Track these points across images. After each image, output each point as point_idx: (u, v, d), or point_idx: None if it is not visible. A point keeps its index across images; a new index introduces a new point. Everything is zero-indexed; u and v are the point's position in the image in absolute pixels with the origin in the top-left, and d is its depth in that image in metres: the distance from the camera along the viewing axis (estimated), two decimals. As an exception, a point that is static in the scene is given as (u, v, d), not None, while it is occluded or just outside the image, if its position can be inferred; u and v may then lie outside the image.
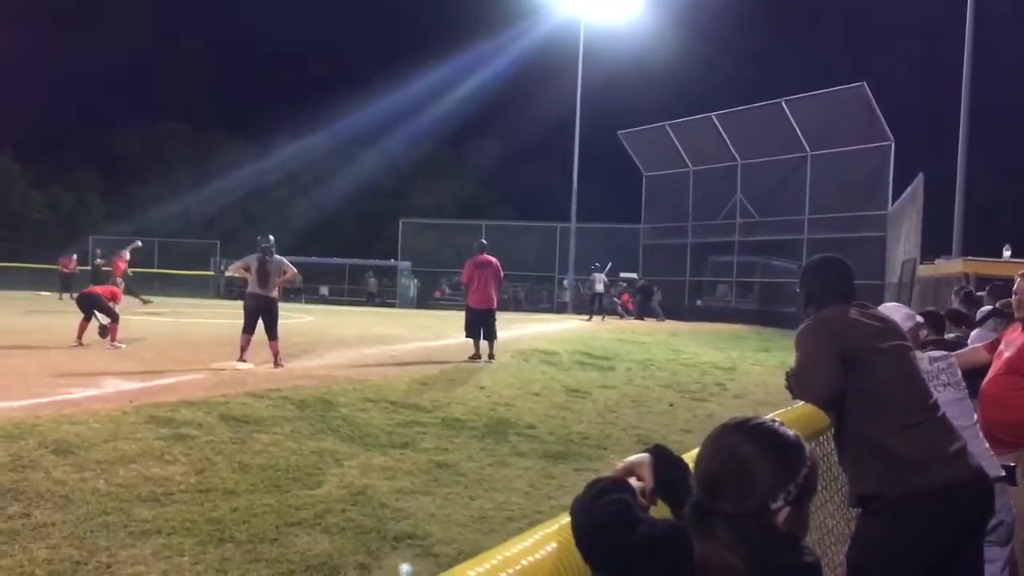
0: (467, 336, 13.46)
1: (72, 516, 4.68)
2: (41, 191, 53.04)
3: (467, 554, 4.35)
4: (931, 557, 2.60)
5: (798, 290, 3.20)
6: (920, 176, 23.57)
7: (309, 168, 55.69)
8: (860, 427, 2.76)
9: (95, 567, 4.02)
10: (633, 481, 1.58)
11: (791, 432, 1.56)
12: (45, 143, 53.75)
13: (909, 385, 2.85)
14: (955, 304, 7.43)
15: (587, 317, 27.19)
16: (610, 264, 31.28)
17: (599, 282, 28.37)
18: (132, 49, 62.07)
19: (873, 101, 27.67)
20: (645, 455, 1.68)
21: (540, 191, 50.97)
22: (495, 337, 13.37)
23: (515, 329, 19.19)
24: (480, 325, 13.33)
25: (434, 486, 5.87)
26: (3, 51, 50.08)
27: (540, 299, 38.53)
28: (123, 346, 12.92)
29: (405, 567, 4.20)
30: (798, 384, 2.94)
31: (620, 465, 1.67)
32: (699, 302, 34.26)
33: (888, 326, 3.00)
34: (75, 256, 30.92)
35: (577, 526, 1.38)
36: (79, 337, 13.04)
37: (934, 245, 23.35)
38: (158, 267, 38.97)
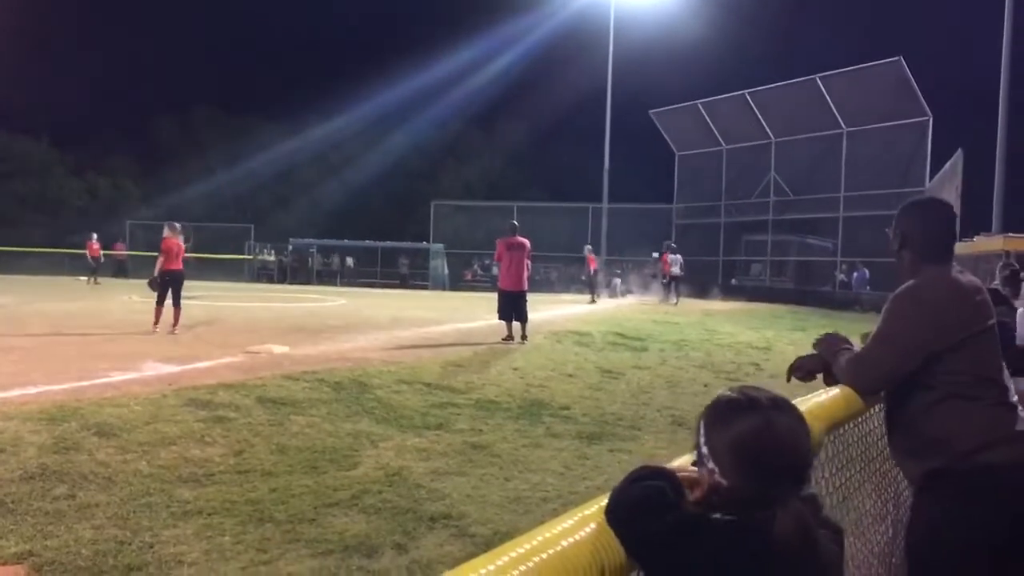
0: (500, 318, 13.51)
1: (115, 497, 4.77)
2: (79, 177, 53.71)
3: (503, 534, 4.39)
4: (1000, 534, 2.49)
5: (888, 231, 2.83)
6: (959, 152, 23.19)
7: (339, 149, 55.73)
8: (934, 402, 2.58)
9: (138, 546, 4.10)
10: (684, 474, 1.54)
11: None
12: (80, 129, 54.36)
13: (994, 363, 2.66)
14: (998, 282, 7.28)
15: (674, 302, 25.48)
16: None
17: (677, 264, 26.51)
18: (162, 34, 62.42)
19: (910, 76, 27.19)
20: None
21: (571, 171, 50.57)
22: (527, 319, 13.40)
23: (548, 310, 19.20)
24: (512, 307, 13.37)
25: (469, 467, 5.91)
26: (37, 39, 50.80)
27: (573, 280, 38.49)
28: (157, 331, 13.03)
29: None
30: (858, 367, 2.65)
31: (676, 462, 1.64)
32: (733, 281, 34.01)
33: (986, 297, 2.71)
34: (95, 237, 31.36)
35: (608, 507, 1.38)
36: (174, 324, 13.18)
37: (974, 222, 22.98)
38: (193, 251, 39.37)
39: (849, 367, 2.67)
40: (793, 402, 1.55)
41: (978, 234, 21.32)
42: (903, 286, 2.68)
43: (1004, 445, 2.52)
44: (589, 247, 28.44)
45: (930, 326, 2.58)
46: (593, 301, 25.86)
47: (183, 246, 13.84)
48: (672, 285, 26.63)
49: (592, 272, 27.30)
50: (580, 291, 27.30)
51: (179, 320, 13.25)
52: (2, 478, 4.93)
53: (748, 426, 1.44)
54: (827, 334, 2.94)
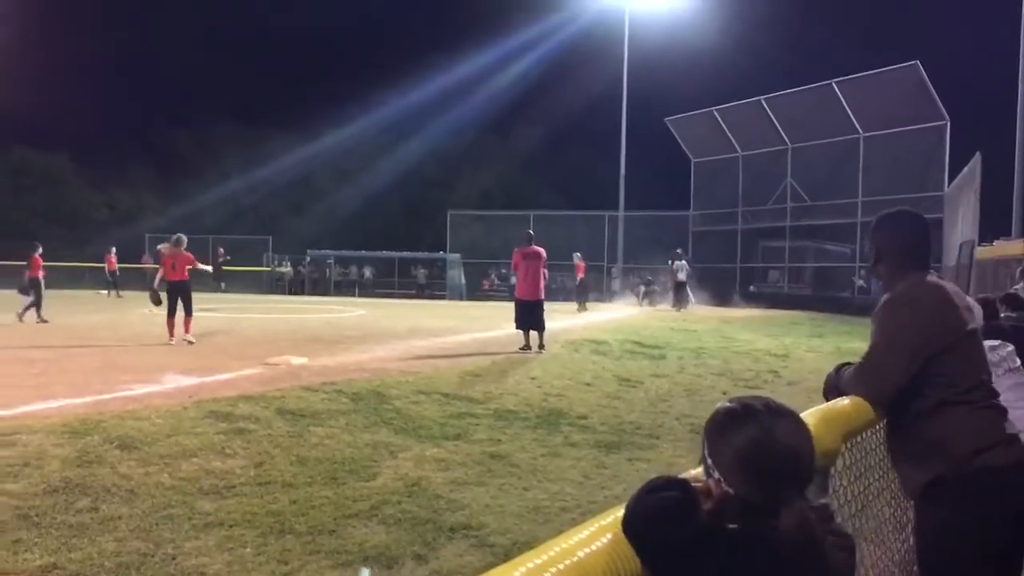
0: (517, 328, 13.52)
1: (138, 509, 4.82)
2: (97, 190, 54.07)
3: (522, 544, 4.39)
4: (1005, 536, 2.49)
5: (869, 247, 2.88)
6: (978, 156, 22.99)
7: (355, 158, 55.81)
8: (930, 407, 2.59)
9: (161, 559, 4.14)
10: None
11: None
12: (98, 142, 54.62)
13: (982, 367, 2.70)
14: (1020, 286, 7.19)
15: (676, 308, 26.48)
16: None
17: (683, 271, 27.41)
18: (177, 45, 62.75)
19: (927, 80, 27.04)
20: None
21: (586, 178, 50.54)
22: (543, 328, 13.41)
23: (565, 319, 19.19)
24: (528, 316, 13.38)
25: (488, 477, 5.92)
26: (54, 53, 51.26)
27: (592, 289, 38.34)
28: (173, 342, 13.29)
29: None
30: (861, 376, 2.65)
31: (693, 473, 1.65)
32: (751, 288, 33.86)
33: (969, 303, 2.76)
34: (113, 250, 31.07)
35: (624, 518, 1.39)
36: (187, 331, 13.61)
37: (993, 226, 22.76)
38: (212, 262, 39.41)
39: (854, 378, 2.69)
40: (809, 411, 1.56)
41: (997, 239, 21.11)
42: (890, 294, 2.72)
43: (1001, 447, 2.55)
44: (578, 255, 28.62)
45: (923, 328, 2.61)
46: (582, 308, 26.26)
47: (183, 257, 13.96)
48: (680, 290, 27.23)
49: (580, 279, 27.84)
50: (606, 299, 27.47)
51: (190, 328, 13.58)
52: (26, 492, 4.99)
53: (746, 435, 1.47)
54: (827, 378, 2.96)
